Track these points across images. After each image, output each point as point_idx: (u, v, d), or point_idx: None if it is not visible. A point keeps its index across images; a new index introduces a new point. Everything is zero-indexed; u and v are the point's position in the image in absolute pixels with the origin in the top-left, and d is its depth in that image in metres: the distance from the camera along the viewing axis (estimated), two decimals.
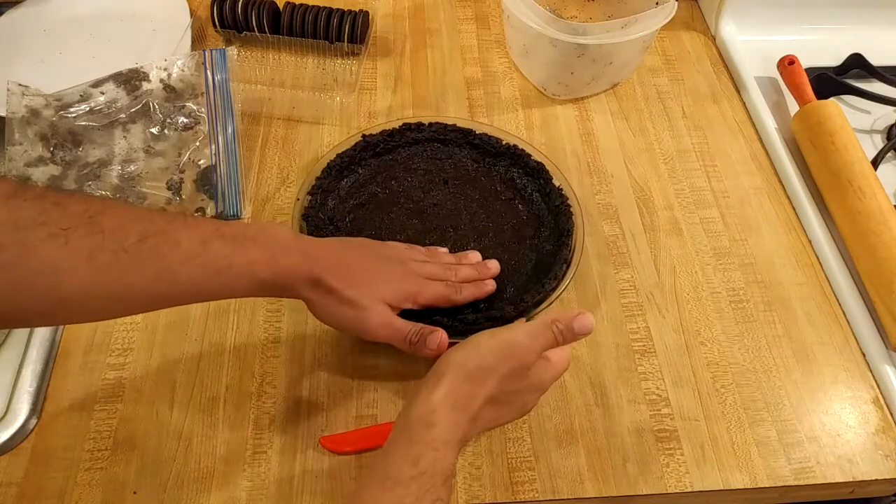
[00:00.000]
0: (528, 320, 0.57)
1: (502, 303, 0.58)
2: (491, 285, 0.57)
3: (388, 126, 0.69)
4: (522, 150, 0.68)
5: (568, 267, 0.60)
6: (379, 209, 0.65)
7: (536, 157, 0.68)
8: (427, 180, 0.67)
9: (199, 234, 0.44)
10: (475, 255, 0.60)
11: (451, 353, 0.46)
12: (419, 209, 0.65)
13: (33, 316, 0.42)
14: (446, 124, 0.70)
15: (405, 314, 0.52)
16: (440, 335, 0.50)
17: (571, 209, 0.64)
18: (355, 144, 0.68)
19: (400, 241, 0.59)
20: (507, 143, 0.69)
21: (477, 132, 0.70)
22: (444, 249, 0.60)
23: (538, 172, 0.67)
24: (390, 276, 0.53)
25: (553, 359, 0.48)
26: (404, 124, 0.70)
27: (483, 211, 0.65)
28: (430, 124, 0.70)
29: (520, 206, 0.66)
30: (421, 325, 0.51)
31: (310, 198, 0.64)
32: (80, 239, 0.39)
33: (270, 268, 0.47)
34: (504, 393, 0.45)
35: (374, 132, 0.69)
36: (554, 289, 0.59)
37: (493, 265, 0.59)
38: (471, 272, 0.57)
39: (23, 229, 0.38)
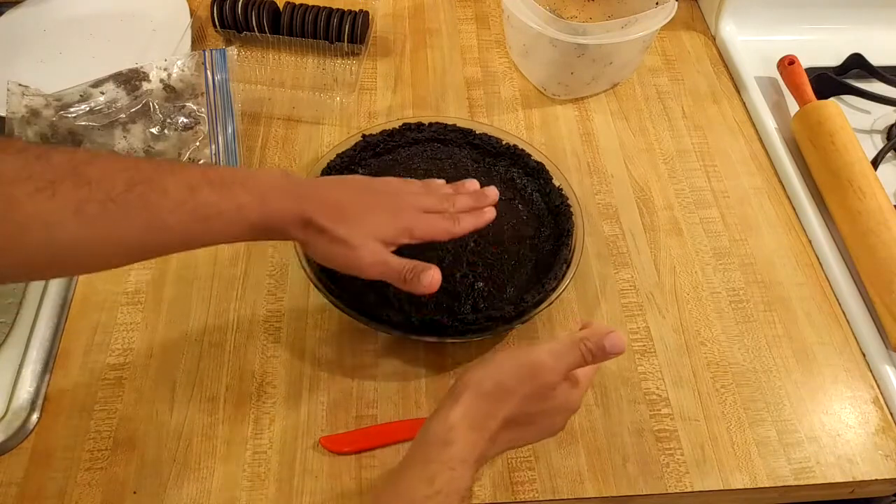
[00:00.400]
0: (527, 321, 0.57)
1: (502, 303, 0.58)
2: (490, 213, 0.55)
3: (388, 126, 0.69)
4: (522, 150, 0.68)
5: (568, 267, 0.60)
6: None
7: (536, 157, 0.68)
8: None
9: (187, 181, 0.43)
10: (473, 184, 0.58)
11: (470, 370, 0.44)
12: None
13: (26, 270, 0.41)
14: (446, 124, 0.70)
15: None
16: (434, 272, 0.49)
17: (571, 209, 0.64)
18: (355, 144, 0.68)
19: None
20: (507, 143, 0.69)
21: (477, 132, 0.70)
22: (441, 181, 0.58)
23: (538, 172, 0.67)
24: (384, 210, 0.51)
25: (580, 376, 0.46)
26: (404, 124, 0.70)
27: None
28: (430, 124, 0.70)
29: (520, 206, 0.66)
30: (416, 261, 0.49)
31: None
32: (67, 191, 0.39)
33: (260, 211, 0.46)
34: (525, 414, 0.44)
35: (374, 132, 0.69)
36: (554, 289, 0.59)
37: (492, 192, 0.57)
38: (468, 201, 0.55)
39: (7, 184, 0.37)
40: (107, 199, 0.40)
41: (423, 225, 0.51)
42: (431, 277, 0.49)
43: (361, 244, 0.48)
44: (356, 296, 0.56)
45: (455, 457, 0.41)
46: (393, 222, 0.50)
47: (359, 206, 0.50)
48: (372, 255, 0.49)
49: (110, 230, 0.41)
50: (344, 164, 0.66)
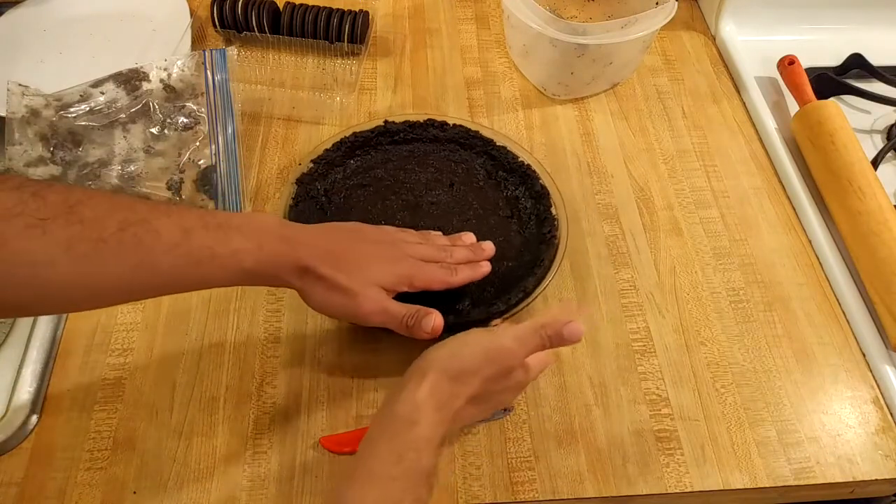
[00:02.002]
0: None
1: (457, 316, 0.56)
2: (486, 266, 0.56)
3: (413, 118, 0.70)
4: (534, 171, 0.66)
5: (526, 296, 0.58)
6: (377, 194, 0.65)
7: (545, 180, 0.66)
8: (435, 178, 0.67)
9: (181, 224, 0.44)
10: (469, 237, 0.59)
11: (436, 350, 0.46)
12: (415, 203, 0.65)
13: (13, 308, 0.41)
14: (469, 129, 0.70)
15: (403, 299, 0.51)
16: (435, 317, 0.50)
17: (557, 241, 0.62)
18: (375, 128, 0.68)
19: None
20: (521, 161, 0.67)
21: (497, 143, 0.69)
22: (438, 232, 0.59)
23: (541, 197, 0.65)
24: (383, 259, 0.51)
25: (532, 362, 0.49)
26: (429, 119, 0.70)
27: (476, 221, 0.64)
28: (454, 125, 0.70)
29: (514, 225, 0.64)
30: (417, 307, 0.50)
31: (312, 165, 0.64)
32: (58, 229, 0.39)
33: (255, 257, 0.46)
34: (484, 393, 0.46)
35: (397, 121, 0.69)
36: (502, 312, 0.56)
37: (488, 246, 0.58)
38: (466, 253, 0.56)
39: None
40: (98, 239, 0.40)
41: (422, 274, 0.52)
42: (433, 322, 0.50)
43: (362, 291, 0.49)
44: None
45: (421, 436, 0.42)
46: (392, 270, 0.51)
47: (359, 255, 0.51)
48: (373, 302, 0.49)
49: (100, 269, 0.41)
50: (358, 142, 0.67)
